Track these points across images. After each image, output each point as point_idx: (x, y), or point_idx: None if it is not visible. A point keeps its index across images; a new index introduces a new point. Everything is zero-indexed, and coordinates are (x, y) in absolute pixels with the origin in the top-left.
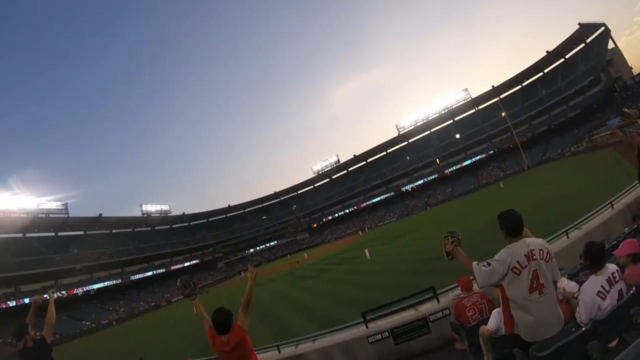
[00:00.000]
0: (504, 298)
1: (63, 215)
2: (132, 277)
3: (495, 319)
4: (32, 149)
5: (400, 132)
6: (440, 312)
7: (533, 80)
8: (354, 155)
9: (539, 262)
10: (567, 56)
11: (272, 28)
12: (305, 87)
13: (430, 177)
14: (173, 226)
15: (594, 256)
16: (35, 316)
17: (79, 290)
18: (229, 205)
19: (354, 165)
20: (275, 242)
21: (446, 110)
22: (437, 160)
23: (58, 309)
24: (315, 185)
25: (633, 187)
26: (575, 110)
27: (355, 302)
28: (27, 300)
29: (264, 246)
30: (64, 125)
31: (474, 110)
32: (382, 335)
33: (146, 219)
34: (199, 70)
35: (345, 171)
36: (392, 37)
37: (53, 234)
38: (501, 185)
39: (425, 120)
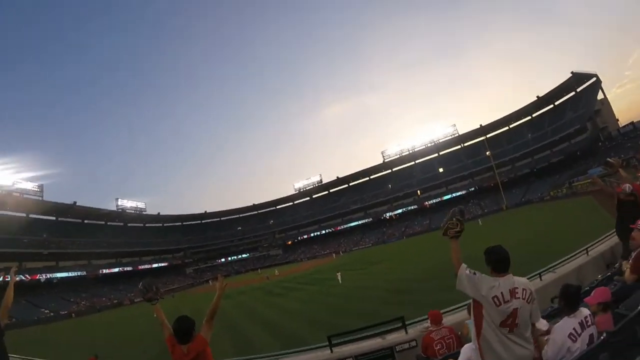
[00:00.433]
0: (477, 316)
1: (37, 198)
2: (99, 271)
3: (464, 354)
4: (16, 125)
5: (385, 160)
6: (407, 344)
7: (521, 123)
8: (337, 177)
9: (521, 302)
10: (556, 103)
11: (265, 40)
12: (294, 103)
13: (410, 207)
14: (146, 225)
15: (569, 298)
16: None
17: (42, 277)
18: (205, 211)
19: (335, 187)
20: (248, 254)
21: (432, 144)
22: (419, 191)
23: (18, 293)
24: (295, 202)
25: (609, 235)
26: (558, 156)
27: (322, 324)
28: None
29: (236, 257)
30: (51, 106)
31: (459, 147)
32: None
33: (120, 214)
34: (189, 74)
35: (327, 192)
36: (385, 65)
37: (24, 215)
38: (479, 222)
39: (410, 151)
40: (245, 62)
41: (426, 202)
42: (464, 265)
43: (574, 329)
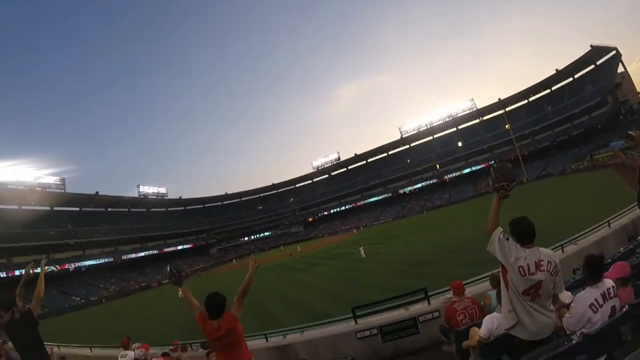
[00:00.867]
0: (505, 280)
1: (60, 191)
2: (125, 257)
3: (487, 325)
4: (34, 121)
5: (403, 136)
6: (430, 314)
7: (540, 97)
8: (355, 154)
9: (545, 274)
10: (575, 76)
11: (285, 19)
12: (312, 82)
13: (429, 182)
14: (169, 209)
15: (592, 268)
16: (25, 288)
17: (71, 266)
18: (226, 192)
19: (354, 164)
20: (270, 232)
21: (450, 118)
22: (438, 165)
23: (48, 283)
24: (314, 180)
25: (631, 208)
26: (579, 129)
27: (344, 298)
28: (17, 272)
29: (258, 236)
30: (68, 100)
31: (478, 121)
32: (370, 332)
33: (142, 200)
34: (208, 62)
35: (345, 169)
36: (402, 42)
37: (48, 208)
38: None
39: (429, 126)
40: (262, 48)
41: (446, 176)
42: (499, 229)
43: (595, 299)
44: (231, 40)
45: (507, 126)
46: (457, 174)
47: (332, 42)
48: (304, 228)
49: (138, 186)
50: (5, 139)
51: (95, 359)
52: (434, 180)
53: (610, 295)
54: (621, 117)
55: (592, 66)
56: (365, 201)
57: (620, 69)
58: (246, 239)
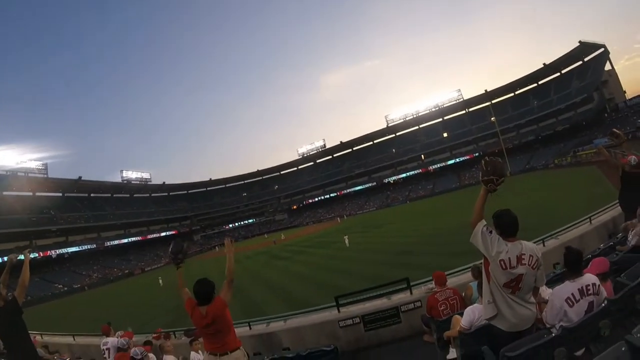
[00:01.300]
0: (487, 272)
1: (42, 176)
2: (108, 243)
3: (468, 316)
4: (16, 106)
5: (389, 124)
6: (412, 304)
7: (526, 90)
8: (341, 142)
9: (526, 268)
10: (563, 71)
11: (271, 5)
12: (299, 68)
13: (414, 172)
14: (152, 195)
15: (570, 262)
16: (10, 276)
17: (53, 253)
18: (210, 179)
19: (339, 152)
20: (254, 220)
21: (437, 108)
22: (422, 156)
23: (31, 271)
24: (299, 167)
25: (612, 206)
26: (564, 124)
27: (328, 287)
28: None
29: (242, 223)
30: (50, 85)
31: (464, 112)
32: (353, 321)
33: (125, 186)
34: (192, 44)
35: (330, 157)
36: (390, 30)
37: (31, 193)
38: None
39: (415, 116)
40: (247, 33)
41: (430, 167)
42: (483, 221)
43: (572, 294)
44: (216, 24)
45: (492, 119)
46: (442, 164)
47: (319, 28)
48: (288, 216)
49: (121, 171)
50: None
51: (78, 347)
52: (419, 171)
53: (589, 292)
54: (606, 114)
55: (580, 62)
56: (349, 190)
57: (607, 67)
58: (230, 226)
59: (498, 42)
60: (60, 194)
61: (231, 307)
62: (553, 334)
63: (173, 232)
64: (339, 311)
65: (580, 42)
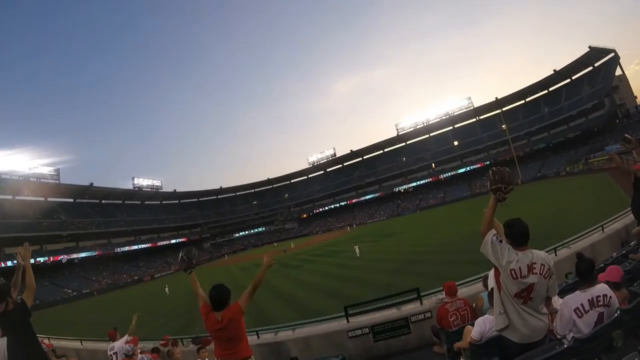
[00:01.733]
0: (497, 282)
1: (54, 181)
2: (118, 250)
3: (479, 327)
4: (29, 111)
5: (399, 133)
6: (422, 314)
7: (537, 97)
8: (351, 150)
9: (538, 277)
10: (573, 77)
11: (281, 14)
12: (309, 77)
13: (424, 181)
14: (163, 202)
15: (581, 271)
16: (22, 279)
17: (64, 258)
18: (220, 187)
19: (349, 161)
20: (264, 228)
21: (447, 117)
22: (433, 164)
23: (41, 275)
24: (309, 176)
25: (624, 213)
26: (575, 131)
27: (337, 296)
28: (10, 263)
29: (252, 231)
30: (65, 91)
31: (474, 120)
32: (362, 331)
33: (137, 193)
34: (203, 55)
35: (341, 165)
36: (399, 38)
37: (42, 199)
38: None
39: (425, 124)
40: (257, 43)
41: (441, 175)
42: (493, 231)
43: (581, 304)
44: (228, 34)
45: (503, 126)
46: (453, 173)
47: (329, 37)
48: (298, 224)
49: (133, 178)
50: (0, 129)
51: (86, 351)
52: (429, 180)
53: (599, 303)
54: (617, 120)
55: (590, 68)
56: (359, 198)
57: (618, 72)
58: (240, 234)
59: (508, 49)
60: (72, 200)
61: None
62: (565, 345)
63: (183, 240)
64: (348, 321)
65: (590, 47)
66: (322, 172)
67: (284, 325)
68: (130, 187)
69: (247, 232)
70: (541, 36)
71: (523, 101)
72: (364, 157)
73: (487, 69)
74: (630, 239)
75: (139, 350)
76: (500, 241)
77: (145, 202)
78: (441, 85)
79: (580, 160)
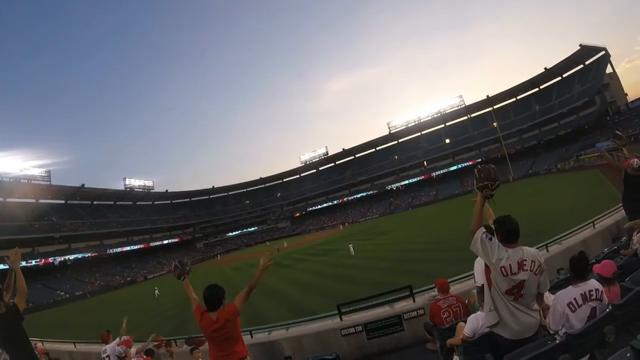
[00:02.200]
0: (488, 279)
1: (45, 183)
2: (110, 251)
3: (471, 323)
4: (19, 112)
5: (391, 131)
6: (415, 312)
7: (528, 95)
8: (343, 149)
9: (528, 274)
10: (564, 75)
11: (272, 11)
12: (300, 75)
13: (416, 179)
14: (155, 202)
15: (574, 267)
16: (15, 282)
17: (56, 260)
18: (213, 186)
19: (342, 159)
20: (256, 227)
21: (439, 114)
22: (425, 162)
23: (33, 277)
24: (302, 175)
25: (615, 209)
26: (566, 128)
27: (330, 295)
28: (1, 267)
29: (244, 230)
30: (54, 92)
31: (466, 118)
32: (355, 329)
33: (128, 193)
34: (197, 50)
35: (333, 164)
36: (391, 37)
37: (34, 200)
38: None
39: (417, 122)
40: (249, 42)
41: (433, 173)
42: (482, 229)
43: (574, 299)
44: (219, 33)
45: (494, 124)
46: (444, 170)
47: (321, 35)
48: (291, 223)
49: (124, 179)
50: None
51: (79, 354)
52: (421, 177)
53: (592, 297)
54: (608, 118)
55: (581, 66)
56: (352, 197)
57: (608, 70)
58: (233, 233)
59: (499, 48)
60: (63, 201)
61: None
62: (557, 341)
63: (176, 240)
64: (341, 319)
65: (581, 45)
66: (315, 170)
67: (277, 324)
68: (122, 187)
69: (239, 231)
70: (532, 34)
71: (514, 99)
72: (356, 156)
73: (479, 67)
74: (622, 235)
75: (134, 351)
76: (490, 239)
77: (137, 203)
78: (433, 84)
79: (572, 157)
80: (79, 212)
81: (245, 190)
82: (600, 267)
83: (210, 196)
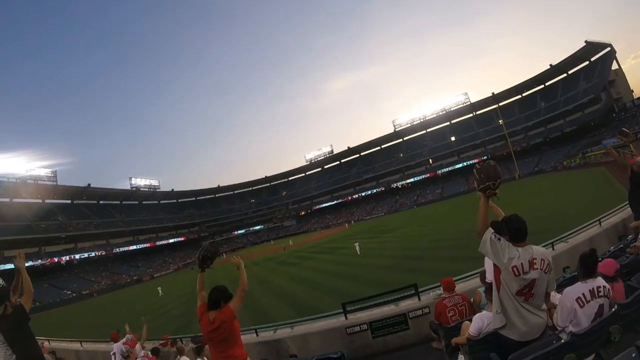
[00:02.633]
0: (497, 281)
1: (52, 183)
2: (117, 250)
3: (476, 323)
4: (25, 113)
5: (397, 129)
6: (420, 310)
7: (533, 92)
8: (348, 147)
9: (539, 272)
10: (569, 72)
11: (277, 11)
12: (305, 74)
13: (422, 177)
14: (161, 202)
15: (584, 263)
16: (21, 283)
17: (62, 259)
18: (218, 185)
19: (347, 157)
20: (262, 226)
21: (444, 112)
22: (430, 160)
23: (40, 277)
24: (307, 173)
25: (622, 207)
26: (572, 125)
27: (335, 293)
28: (8, 266)
29: (250, 229)
30: (60, 92)
31: (471, 115)
32: (360, 328)
33: (134, 193)
34: (201, 50)
35: (338, 162)
36: (395, 35)
37: (40, 200)
38: None
39: (422, 120)
40: (254, 41)
41: (438, 171)
42: (490, 229)
43: (583, 294)
44: (223, 32)
45: (500, 121)
46: (450, 168)
47: (326, 34)
48: (296, 222)
49: (130, 178)
50: None
51: (85, 353)
52: (427, 175)
53: (600, 294)
54: (614, 114)
55: (587, 62)
56: (357, 195)
57: (614, 66)
58: (238, 232)
59: (504, 45)
60: (70, 201)
61: (240, 313)
62: (562, 340)
63: (182, 239)
64: (346, 318)
65: (586, 41)
66: (320, 169)
67: (282, 322)
68: (128, 187)
69: (245, 230)
70: (537, 31)
71: (519, 96)
72: (362, 154)
73: (484, 64)
74: (628, 233)
75: (141, 350)
76: (499, 239)
77: (143, 202)
78: (438, 81)
79: (578, 154)
80: (85, 212)
81: (250, 189)
82: (602, 265)
83: (216, 195)
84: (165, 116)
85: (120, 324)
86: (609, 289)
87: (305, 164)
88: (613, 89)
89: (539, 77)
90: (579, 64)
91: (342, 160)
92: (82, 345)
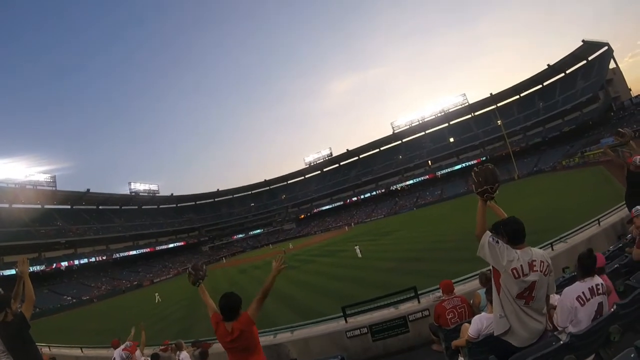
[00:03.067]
0: (497, 284)
1: (51, 188)
2: (116, 255)
3: (476, 325)
4: (24, 118)
5: (395, 131)
6: (420, 313)
7: (531, 92)
8: (347, 149)
9: (539, 274)
10: (567, 71)
11: (276, 13)
12: (304, 77)
13: (421, 178)
14: (160, 206)
15: (583, 264)
16: (23, 289)
17: (62, 265)
18: (217, 189)
19: (346, 160)
20: (262, 230)
21: (442, 113)
22: (429, 161)
23: (39, 283)
24: (306, 176)
25: (621, 206)
26: (570, 125)
27: (336, 296)
28: (7, 273)
29: (250, 233)
30: (58, 98)
31: (470, 116)
32: (360, 331)
33: (134, 198)
34: (200, 54)
35: (337, 165)
36: (394, 37)
37: (39, 206)
38: None
39: (420, 121)
40: (253, 43)
41: (437, 172)
42: (488, 233)
43: (582, 292)
44: (222, 34)
45: (498, 122)
46: (449, 169)
47: (324, 36)
48: (296, 225)
49: (129, 183)
50: None
51: (86, 359)
52: (426, 177)
53: (599, 291)
54: (612, 113)
55: (584, 62)
56: (357, 197)
57: (612, 65)
58: (238, 236)
59: (501, 45)
60: (69, 206)
61: (256, 319)
62: (562, 342)
63: (181, 244)
64: (346, 321)
65: (583, 41)
66: (319, 172)
67: (282, 327)
68: (127, 192)
69: (245, 234)
70: (534, 31)
71: (518, 96)
72: (361, 156)
73: (481, 65)
74: (627, 232)
75: (141, 357)
76: (497, 242)
77: (143, 207)
78: (436, 83)
79: (576, 153)
80: (85, 217)
81: (250, 192)
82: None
83: (215, 199)
84: (164, 120)
85: (121, 330)
86: (605, 286)
87: (304, 167)
88: (611, 88)
89: (537, 77)
90: (576, 64)
91: (341, 163)
92: (82, 351)
